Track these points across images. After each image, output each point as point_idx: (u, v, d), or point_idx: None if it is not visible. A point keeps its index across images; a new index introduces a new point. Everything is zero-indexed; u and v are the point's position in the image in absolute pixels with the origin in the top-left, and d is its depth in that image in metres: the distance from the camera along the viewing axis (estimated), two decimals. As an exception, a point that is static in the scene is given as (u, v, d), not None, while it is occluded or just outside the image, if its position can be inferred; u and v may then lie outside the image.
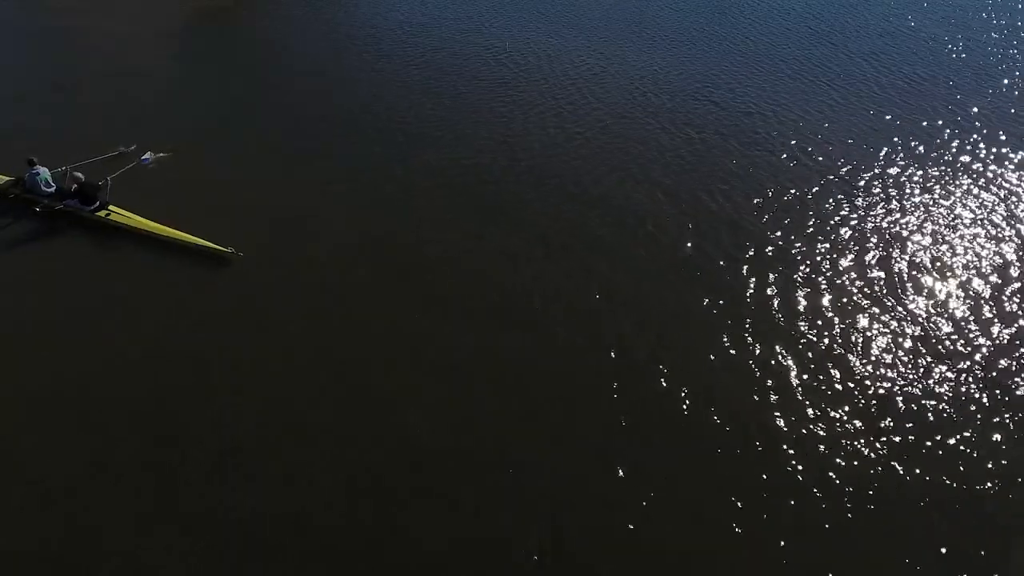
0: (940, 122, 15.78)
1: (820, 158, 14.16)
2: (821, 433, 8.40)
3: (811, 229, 12.03)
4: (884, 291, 10.70)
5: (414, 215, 11.89)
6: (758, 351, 9.49)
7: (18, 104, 14.81)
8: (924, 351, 9.67)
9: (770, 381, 9.05)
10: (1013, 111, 16.49)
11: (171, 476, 7.69)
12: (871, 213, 12.57)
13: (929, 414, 8.74)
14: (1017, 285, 10.94)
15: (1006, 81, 18.04)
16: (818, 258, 11.32)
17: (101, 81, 15.90)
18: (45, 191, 11.66)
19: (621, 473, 7.87)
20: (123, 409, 8.37)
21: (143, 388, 8.64)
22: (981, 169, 14.09)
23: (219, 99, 15.48)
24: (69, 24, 19.14)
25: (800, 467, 8.00)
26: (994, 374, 9.35)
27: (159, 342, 9.27)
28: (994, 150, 14.75)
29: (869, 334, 9.88)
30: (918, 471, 8.04)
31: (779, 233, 11.85)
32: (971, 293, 10.76)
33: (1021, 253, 11.67)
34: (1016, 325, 10.16)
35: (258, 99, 15.67)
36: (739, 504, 7.60)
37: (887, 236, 11.98)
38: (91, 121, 14.11)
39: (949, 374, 9.33)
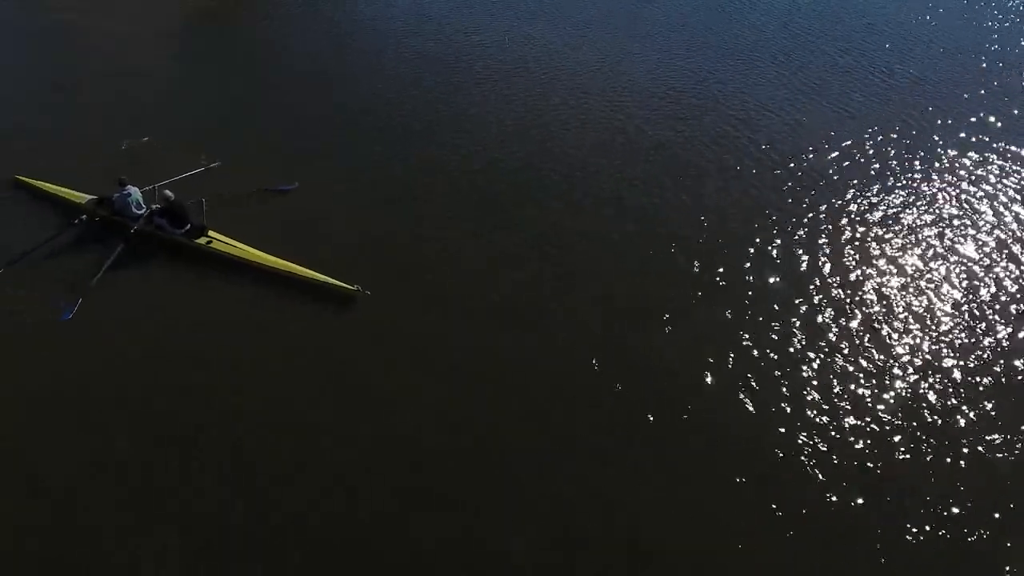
0: (940, 119, 15.78)
1: (825, 154, 14.18)
2: (825, 432, 8.39)
3: (818, 226, 12.03)
4: (887, 286, 10.71)
5: (414, 214, 11.86)
6: (761, 350, 9.47)
7: (18, 104, 14.80)
8: (928, 346, 9.66)
9: (773, 381, 9.04)
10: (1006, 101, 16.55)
11: (171, 476, 7.68)
12: (873, 208, 12.60)
13: (932, 413, 8.73)
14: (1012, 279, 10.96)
15: (996, 78, 18.03)
16: (823, 257, 11.29)
17: (101, 81, 15.87)
18: (136, 213, 10.88)
19: (621, 473, 7.87)
20: (124, 408, 8.39)
21: (139, 385, 8.66)
22: (977, 164, 14.13)
23: (219, 99, 15.44)
24: (69, 24, 19.11)
25: (802, 467, 7.99)
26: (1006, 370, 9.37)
27: (159, 342, 9.28)
28: (987, 145, 14.78)
29: (871, 330, 9.88)
30: (921, 468, 8.03)
31: (786, 231, 11.85)
32: (970, 291, 10.77)
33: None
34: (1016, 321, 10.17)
35: (258, 99, 15.64)
36: (740, 504, 7.60)
37: (891, 227, 12.06)
38: (91, 121, 14.08)
39: (960, 371, 9.33)
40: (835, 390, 8.97)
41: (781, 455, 8.12)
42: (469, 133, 14.46)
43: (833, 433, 8.39)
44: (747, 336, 9.70)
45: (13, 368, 8.84)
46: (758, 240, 11.60)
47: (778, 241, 11.60)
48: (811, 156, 14.11)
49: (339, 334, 9.52)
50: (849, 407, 8.74)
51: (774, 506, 7.59)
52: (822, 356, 9.46)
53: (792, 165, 13.82)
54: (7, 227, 11.04)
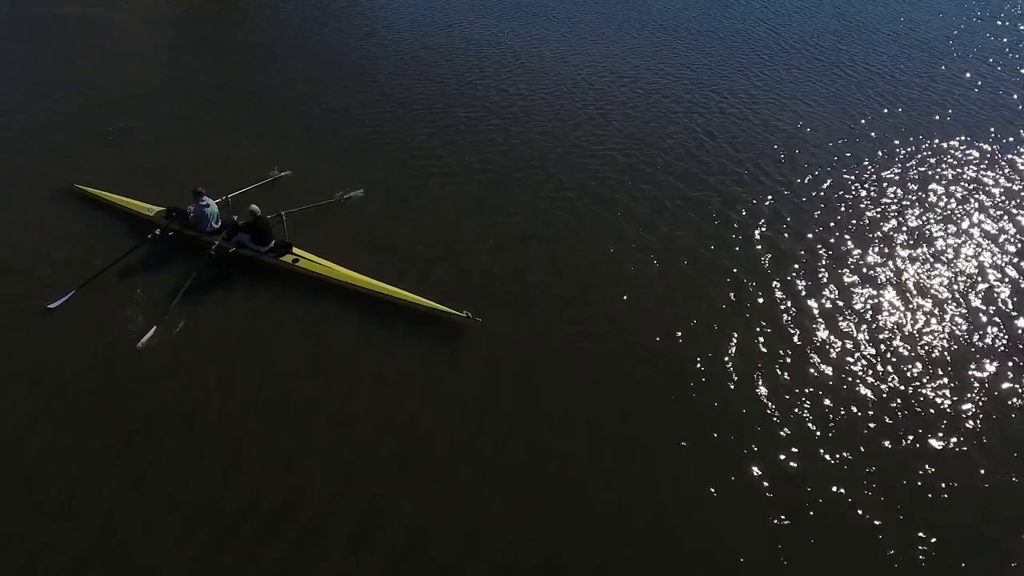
0: (940, 116, 15.50)
1: (822, 151, 13.96)
2: (828, 430, 8.21)
3: (815, 221, 11.78)
4: (892, 283, 10.46)
5: (414, 208, 11.65)
6: (762, 345, 9.24)
7: (17, 100, 14.74)
8: (932, 343, 9.44)
9: (774, 377, 8.83)
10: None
11: (168, 469, 7.55)
12: (876, 206, 12.33)
13: (937, 411, 8.56)
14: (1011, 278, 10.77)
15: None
16: (821, 253, 10.98)
17: (100, 74, 15.81)
18: (213, 227, 10.18)
19: (620, 471, 7.75)
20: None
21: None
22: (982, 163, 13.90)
23: (220, 93, 15.33)
24: (68, 16, 19.09)
25: (803, 467, 7.85)
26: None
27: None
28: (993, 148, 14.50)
29: (876, 327, 9.64)
30: (925, 470, 7.86)
31: (787, 226, 11.59)
32: (971, 287, 10.55)
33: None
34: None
35: (258, 89, 15.53)
36: (740, 500, 7.46)
37: (893, 225, 11.77)
38: (91, 119, 14.01)
39: (966, 369, 9.09)
40: (843, 386, 8.75)
41: (783, 454, 7.96)
42: (469, 126, 14.33)
43: (841, 429, 8.19)
44: (753, 333, 9.44)
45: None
46: (764, 236, 11.32)
47: (786, 239, 11.32)
48: (807, 149, 13.90)
49: (339, 333, 9.17)
50: (860, 402, 8.52)
51: (775, 504, 7.45)
52: (829, 351, 9.20)
53: (790, 158, 13.61)
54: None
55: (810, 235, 11.32)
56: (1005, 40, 19.78)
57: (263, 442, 7.76)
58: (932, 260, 10.93)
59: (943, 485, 7.58)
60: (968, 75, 17.50)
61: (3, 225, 10.83)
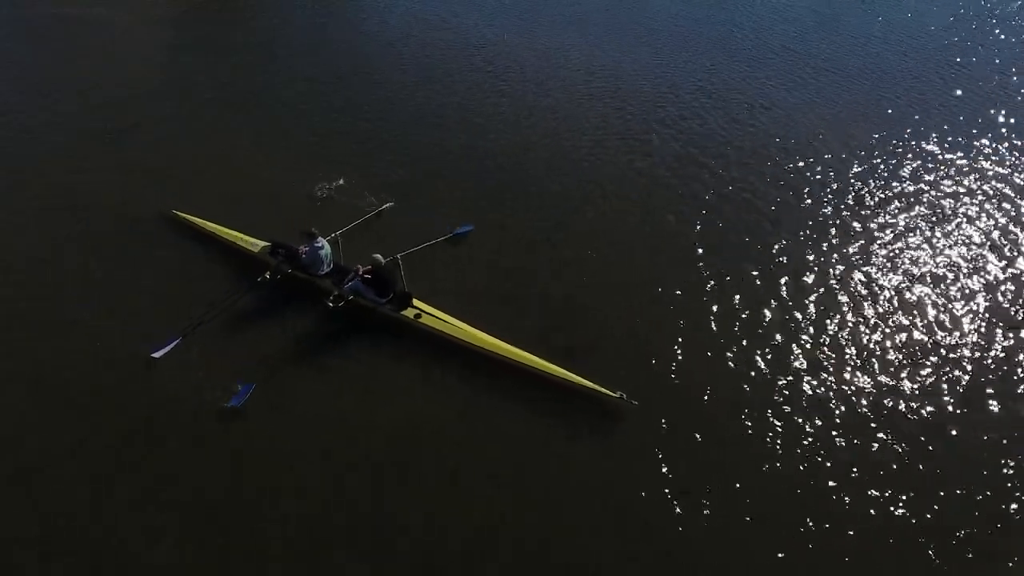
0: (938, 114, 15.47)
1: (819, 148, 13.92)
2: (834, 431, 8.19)
3: (818, 220, 11.78)
4: (895, 283, 10.47)
5: (417, 202, 11.65)
6: (766, 345, 9.22)
7: (17, 100, 14.71)
8: (933, 344, 9.43)
9: (773, 375, 8.86)
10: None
11: (165, 464, 7.59)
12: (873, 205, 12.32)
13: (937, 410, 8.53)
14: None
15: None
16: (822, 254, 10.99)
17: (100, 74, 15.75)
18: (326, 270, 9.63)
19: (619, 466, 7.76)
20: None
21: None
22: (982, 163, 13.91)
23: (220, 93, 15.26)
24: (68, 16, 19.01)
25: (805, 468, 7.80)
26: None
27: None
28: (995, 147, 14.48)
29: (872, 326, 9.60)
30: (925, 463, 7.86)
31: (784, 222, 11.58)
32: (971, 286, 10.52)
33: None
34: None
35: (257, 89, 15.47)
36: (741, 500, 7.47)
37: (893, 224, 11.76)
38: (91, 119, 13.98)
39: (973, 372, 9.08)
40: (841, 385, 8.72)
41: (780, 450, 7.94)
42: (470, 122, 14.27)
43: (840, 426, 8.18)
44: (752, 329, 9.44)
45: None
46: (763, 231, 11.36)
47: (785, 233, 11.34)
48: (806, 148, 13.85)
49: (342, 327, 9.15)
50: (857, 397, 8.51)
51: (773, 499, 7.45)
52: (828, 350, 9.22)
53: (792, 158, 13.54)
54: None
55: (813, 237, 11.30)
56: (988, 40, 19.72)
57: (268, 446, 7.77)
58: (937, 255, 10.90)
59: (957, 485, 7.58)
60: (956, 75, 17.44)
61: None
